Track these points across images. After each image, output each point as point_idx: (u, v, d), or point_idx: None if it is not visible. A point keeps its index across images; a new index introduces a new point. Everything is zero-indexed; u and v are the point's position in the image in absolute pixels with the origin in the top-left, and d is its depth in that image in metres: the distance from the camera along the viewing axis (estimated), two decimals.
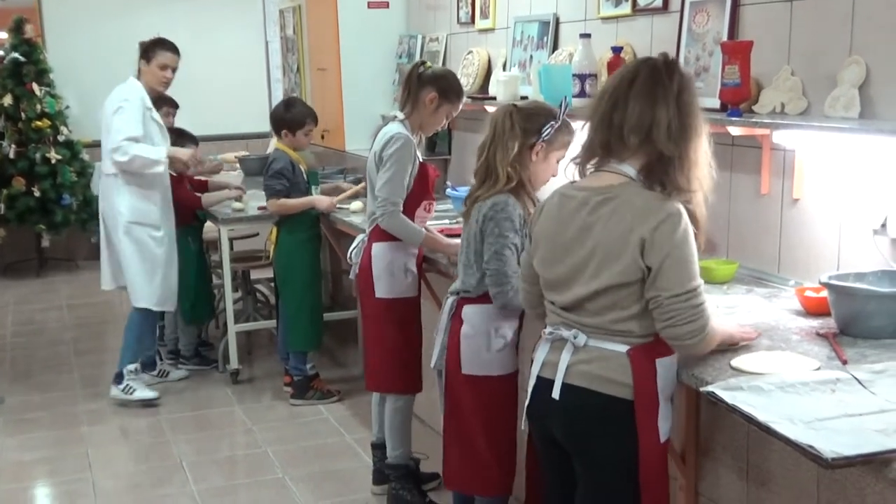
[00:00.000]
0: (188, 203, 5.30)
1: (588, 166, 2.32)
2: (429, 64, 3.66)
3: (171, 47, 4.94)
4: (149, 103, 4.87)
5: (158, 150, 4.82)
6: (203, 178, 5.74)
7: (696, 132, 2.20)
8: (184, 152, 4.93)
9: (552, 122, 2.84)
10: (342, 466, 4.18)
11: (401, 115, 3.59)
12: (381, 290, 3.65)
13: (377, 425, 3.84)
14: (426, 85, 3.56)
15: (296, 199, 4.72)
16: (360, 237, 3.78)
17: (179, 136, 5.45)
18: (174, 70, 4.95)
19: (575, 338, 2.26)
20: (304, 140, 4.79)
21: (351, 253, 3.82)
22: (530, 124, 2.85)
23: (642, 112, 2.17)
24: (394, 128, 3.56)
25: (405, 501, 3.67)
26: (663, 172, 2.19)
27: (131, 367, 4.96)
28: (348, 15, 5.79)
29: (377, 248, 3.64)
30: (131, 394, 4.92)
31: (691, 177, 2.19)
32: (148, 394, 4.94)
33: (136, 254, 4.89)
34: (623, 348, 2.21)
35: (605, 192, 2.21)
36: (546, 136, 2.83)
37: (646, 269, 2.14)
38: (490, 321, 2.99)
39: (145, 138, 4.78)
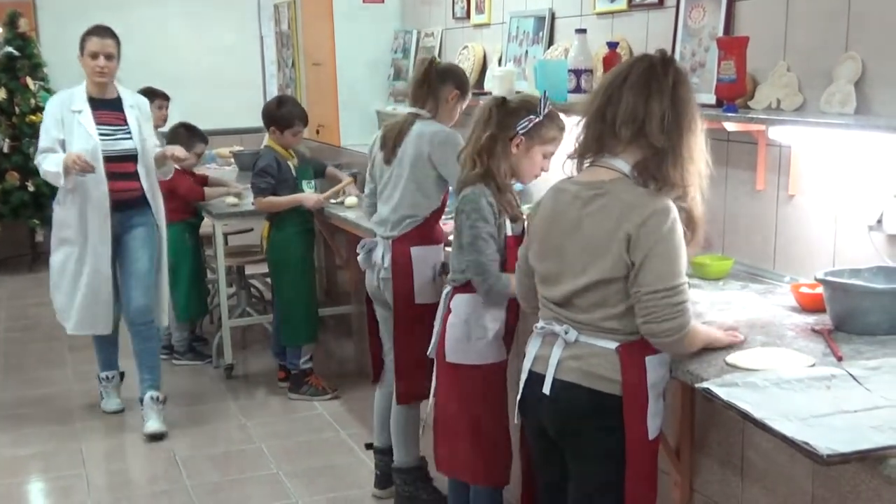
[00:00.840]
0: (191, 196, 5.29)
1: (585, 162, 2.32)
2: (438, 59, 3.63)
3: (99, 31, 4.37)
4: (77, 105, 4.34)
5: (57, 162, 4.22)
6: (203, 173, 5.74)
7: (690, 127, 2.19)
8: (70, 157, 4.16)
9: (530, 117, 2.84)
10: (336, 462, 4.18)
11: (426, 114, 3.51)
12: (422, 296, 3.50)
13: (385, 433, 3.77)
14: (447, 81, 3.51)
15: (282, 197, 4.70)
16: (377, 241, 3.62)
17: (192, 135, 5.43)
18: (109, 57, 4.32)
19: (566, 333, 2.26)
20: (291, 139, 4.78)
21: (363, 256, 3.66)
22: (510, 117, 2.87)
23: (635, 105, 2.17)
24: (432, 126, 3.48)
25: (422, 501, 3.65)
26: (656, 168, 2.19)
27: (102, 374, 4.79)
28: (343, 10, 5.77)
29: (418, 251, 3.51)
30: (101, 402, 4.82)
31: (685, 173, 2.19)
32: (110, 405, 4.79)
33: (54, 271, 4.56)
34: (613, 345, 2.22)
35: (597, 188, 2.21)
36: (522, 129, 2.84)
37: (630, 264, 2.15)
38: (472, 310, 3.00)
39: (67, 144, 4.30)
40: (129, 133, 4.42)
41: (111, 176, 4.33)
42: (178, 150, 4.57)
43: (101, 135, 4.33)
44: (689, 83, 2.27)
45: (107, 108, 4.42)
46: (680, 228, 2.15)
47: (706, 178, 2.23)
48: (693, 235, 2.22)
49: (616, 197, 2.18)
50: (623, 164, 2.22)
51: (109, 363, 4.80)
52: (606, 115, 2.21)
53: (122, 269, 4.54)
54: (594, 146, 2.27)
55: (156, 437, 4.47)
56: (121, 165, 4.39)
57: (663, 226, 2.13)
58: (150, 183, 4.50)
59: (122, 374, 4.87)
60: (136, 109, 4.50)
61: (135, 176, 4.44)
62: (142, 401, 4.57)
